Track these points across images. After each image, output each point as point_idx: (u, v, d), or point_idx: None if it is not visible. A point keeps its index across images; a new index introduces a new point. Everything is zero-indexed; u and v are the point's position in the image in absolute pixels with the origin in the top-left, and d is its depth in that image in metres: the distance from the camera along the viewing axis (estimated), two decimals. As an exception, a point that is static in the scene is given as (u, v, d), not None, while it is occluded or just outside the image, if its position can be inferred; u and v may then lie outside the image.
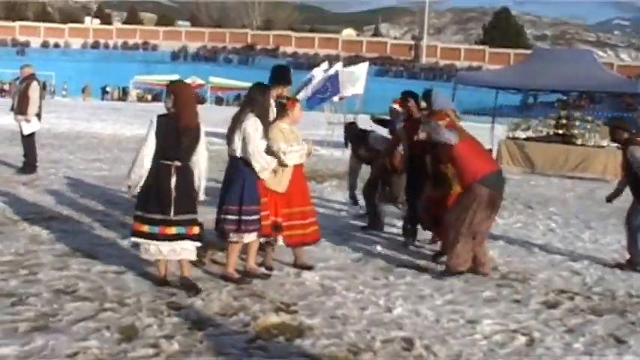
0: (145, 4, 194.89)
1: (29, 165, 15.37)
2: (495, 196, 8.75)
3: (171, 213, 7.20)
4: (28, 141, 15.53)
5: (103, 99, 75.37)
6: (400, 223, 11.39)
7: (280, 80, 9.02)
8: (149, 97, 77.62)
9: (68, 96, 71.80)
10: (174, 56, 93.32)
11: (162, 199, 7.20)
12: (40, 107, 15.70)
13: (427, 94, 9.98)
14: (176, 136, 7.18)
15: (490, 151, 21.22)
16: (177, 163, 7.24)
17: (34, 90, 15.45)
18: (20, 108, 15.37)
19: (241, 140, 7.68)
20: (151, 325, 6.28)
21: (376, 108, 19.39)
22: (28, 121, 15.37)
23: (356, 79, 23.63)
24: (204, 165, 7.53)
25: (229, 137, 7.82)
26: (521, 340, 6.64)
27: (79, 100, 67.16)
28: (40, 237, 9.42)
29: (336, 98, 23.31)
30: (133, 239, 7.54)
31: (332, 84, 22.85)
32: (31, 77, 15.62)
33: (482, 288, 8.31)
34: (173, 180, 7.19)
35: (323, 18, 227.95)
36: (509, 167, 22.00)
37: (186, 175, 7.33)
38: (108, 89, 78.34)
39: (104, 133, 28.17)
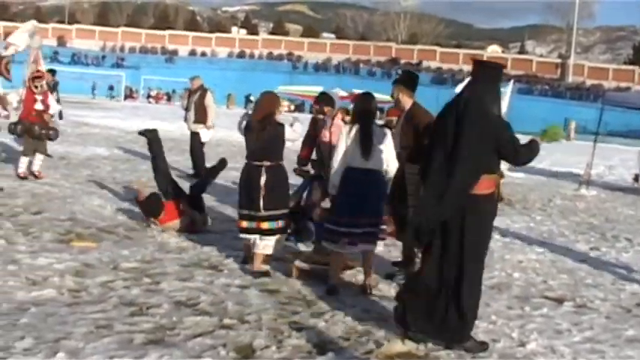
0: (292, 16, 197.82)
1: (199, 173, 16.18)
2: None
3: (261, 209, 8.04)
4: (200, 149, 16.77)
5: (246, 107, 76.57)
6: (539, 249, 10.95)
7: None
8: (292, 106, 78.36)
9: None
10: (294, 67, 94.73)
11: (253, 196, 8.08)
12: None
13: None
14: (256, 138, 8.16)
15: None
16: (267, 163, 8.10)
17: (210, 99, 16.85)
18: (198, 117, 16.71)
19: (382, 154, 7.67)
20: (269, 346, 5.98)
21: (520, 126, 18.81)
22: (209, 128, 16.79)
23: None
24: None
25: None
26: (670, 388, 6.03)
27: (222, 108, 68.35)
28: (168, 245, 9.39)
29: None
30: (241, 235, 8.45)
31: None
32: (202, 88, 16.90)
33: (626, 326, 7.65)
34: (263, 179, 8.03)
35: (468, 33, 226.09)
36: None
37: (277, 173, 8.16)
38: (252, 98, 79.49)
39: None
